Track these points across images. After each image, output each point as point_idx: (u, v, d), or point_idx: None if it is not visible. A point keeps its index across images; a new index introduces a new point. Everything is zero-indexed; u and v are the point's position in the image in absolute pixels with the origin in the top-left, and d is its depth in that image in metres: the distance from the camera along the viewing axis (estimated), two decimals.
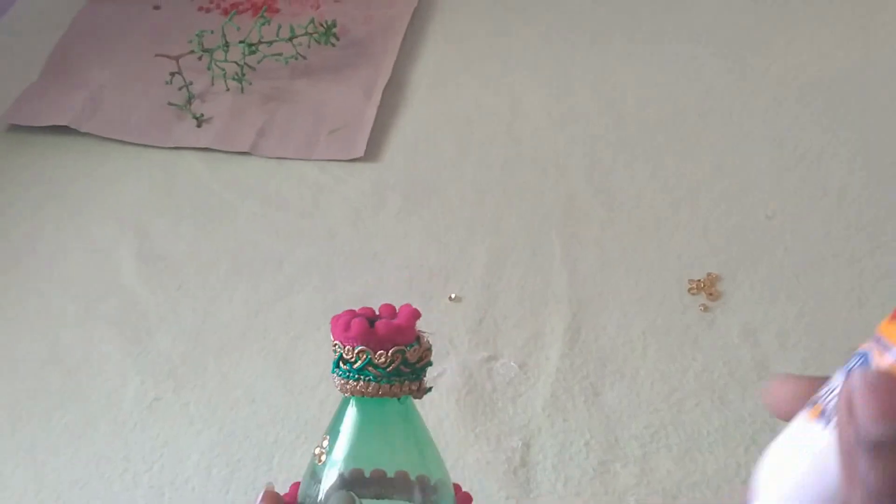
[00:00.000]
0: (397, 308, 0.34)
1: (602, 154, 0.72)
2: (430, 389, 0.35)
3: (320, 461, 0.34)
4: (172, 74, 0.80)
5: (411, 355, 0.33)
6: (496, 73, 0.81)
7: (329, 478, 0.34)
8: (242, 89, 0.80)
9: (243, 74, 0.80)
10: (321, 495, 0.34)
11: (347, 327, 0.33)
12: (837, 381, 0.25)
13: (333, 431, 0.34)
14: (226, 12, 0.89)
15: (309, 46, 0.83)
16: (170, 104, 0.79)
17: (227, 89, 0.80)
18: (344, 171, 0.74)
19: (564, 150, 0.73)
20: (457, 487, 0.37)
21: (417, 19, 0.88)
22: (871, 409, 0.24)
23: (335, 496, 0.34)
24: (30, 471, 0.56)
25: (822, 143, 0.71)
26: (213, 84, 0.81)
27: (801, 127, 0.73)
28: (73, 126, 0.77)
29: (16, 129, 0.80)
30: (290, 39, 0.81)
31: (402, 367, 0.33)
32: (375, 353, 0.33)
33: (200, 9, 0.91)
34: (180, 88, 0.80)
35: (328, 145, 0.75)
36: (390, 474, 0.34)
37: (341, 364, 0.33)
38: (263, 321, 0.64)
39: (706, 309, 0.60)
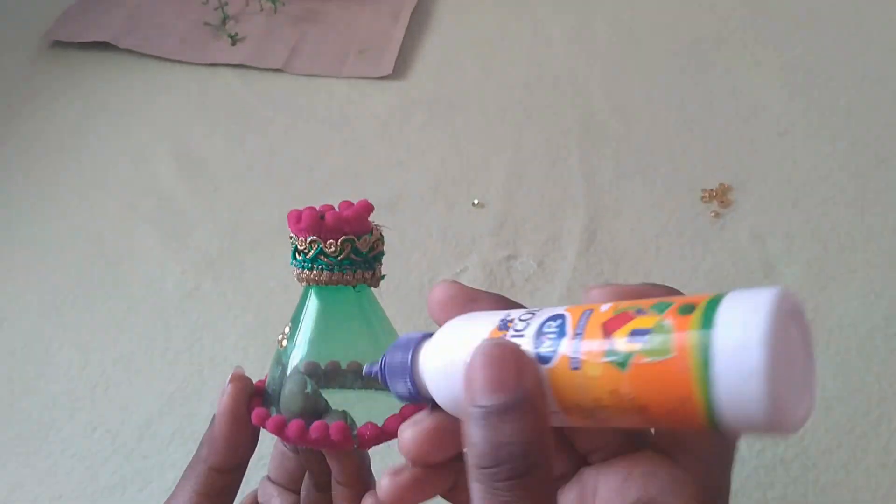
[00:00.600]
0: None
1: (620, 75, 0.75)
2: (383, 277, 0.36)
3: (281, 346, 0.36)
4: None
5: (362, 245, 0.34)
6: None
7: (291, 362, 0.35)
8: (275, 10, 0.83)
9: None
10: (286, 379, 0.35)
11: (299, 219, 0.34)
12: (526, 319, 0.26)
13: (295, 320, 0.36)
14: None
15: None
16: (205, 24, 0.82)
17: (261, 9, 0.83)
18: (372, 87, 0.77)
19: (583, 72, 0.76)
20: None
21: None
22: (482, 380, 0.25)
23: (291, 378, 0.35)
24: (76, 349, 0.60)
25: (831, 67, 0.73)
26: (247, 5, 0.84)
27: (812, 52, 0.75)
28: (112, 42, 0.81)
29: (59, 45, 0.83)
30: None
31: (352, 255, 0.34)
32: (326, 242, 0.34)
33: None
34: (216, 9, 0.83)
35: (357, 64, 0.78)
36: (345, 362, 0.35)
37: (297, 255, 0.35)
38: None
39: (717, 215, 0.63)
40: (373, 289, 0.36)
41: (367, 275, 0.35)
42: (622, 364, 0.24)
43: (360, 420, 0.35)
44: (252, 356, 0.58)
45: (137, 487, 0.52)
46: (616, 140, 0.70)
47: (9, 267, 0.66)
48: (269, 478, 0.41)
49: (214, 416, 0.36)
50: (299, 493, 0.40)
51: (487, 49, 0.80)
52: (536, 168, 0.69)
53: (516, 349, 0.26)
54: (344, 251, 0.34)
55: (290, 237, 0.35)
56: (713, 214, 0.63)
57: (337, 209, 0.34)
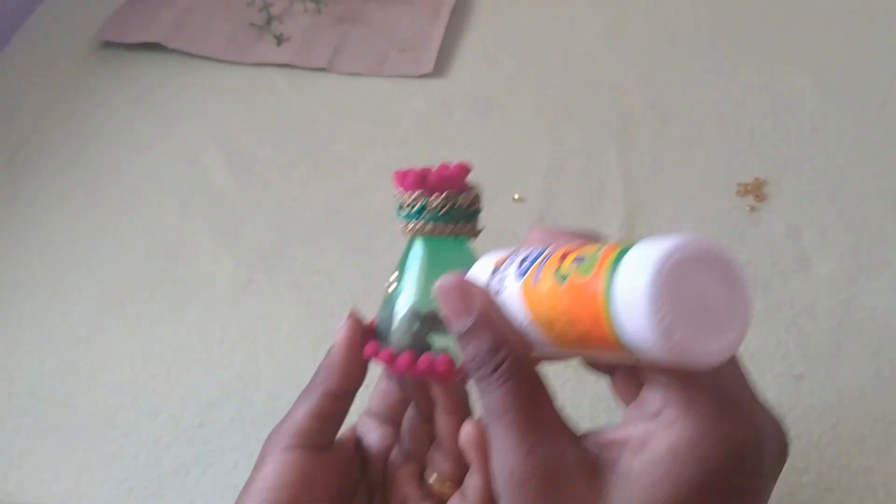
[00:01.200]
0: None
1: (656, 72, 0.77)
2: (481, 230, 0.40)
3: (388, 291, 0.41)
4: None
5: (463, 200, 0.39)
6: None
7: (398, 304, 0.40)
8: (319, 10, 0.86)
9: None
10: (394, 318, 0.40)
11: (405, 177, 0.39)
12: (520, 254, 0.33)
13: (401, 267, 0.40)
14: None
15: None
16: (251, 25, 0.85)
17: (305, 11, 0.86)
18: (413, 85, 0.79)
19: (620, 68, 0.78)
20: None
21: None
22: (448, 310, 0.34)
23: (399, 318, 0.40)
24: (136, 340, 0.63)
25: (863, 63, 0.75)
26: (291, 6, 0.86)
27: (845, 48, 0.76)
28: (161, 43, 0.84)
29: (109, 45, 0.86)
30: None
31: (454, 209, 0.39)
32: (430, 197, 0.38)
33: None
34: (260, 10, 0.86)
35: (398, 62, 0.81)
36: None
37: (403, 209, 0.39)
38: (342, 217, 0.70)
39: (753, 209, 0.65)
40: (471, 241, 0.40)
41: (468, 227, 0.39)
42: (562, 280, 0.30)
43: (458, 357, 0.39)
44: (304, 346, 0.61)
45: (200, 470, 0.55)
46: (653, 135, 0.72)
47: (72, 261, 0.69)
48: (367, 412, 0.46)
49: (331, 347, 0.41)
50: (396, 426, 0.45)
51: (525, 46, 0.82)
52: (574, 163, 0.71)
53: (460, 283, 0.34)
54: (446, 205, 0.38)
55: (395, 194, 0.39)
56: (749, 208, 0.65)
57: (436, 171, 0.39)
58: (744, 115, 0.72)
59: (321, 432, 0.42)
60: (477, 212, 0.40)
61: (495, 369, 0.32)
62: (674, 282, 0.27)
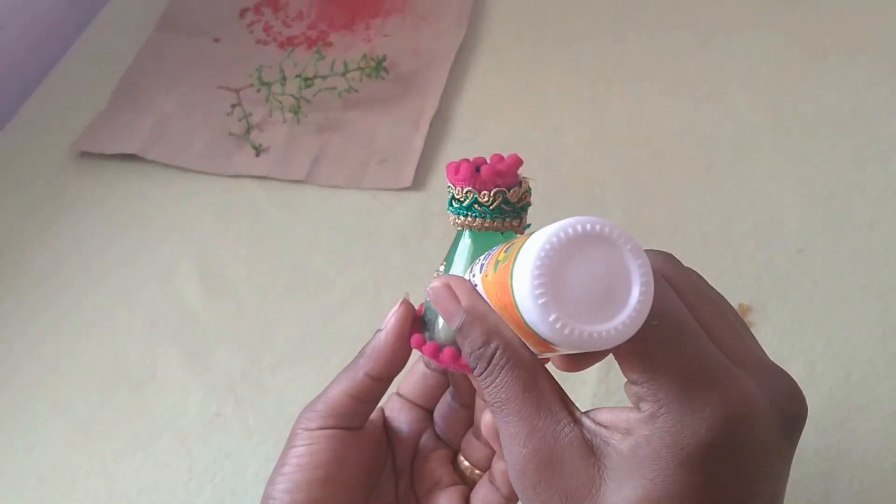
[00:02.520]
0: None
1: (637, 186, 0.76)
2: (529, 226, 0.41)
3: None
4: (233, 106, 0.85)
5: (512, 196, 0.40)
6: (535, 108, 0.85)
7: None
8: (298, 120, 0.85)
9: (299, 107, 0.84)
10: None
11: (457, 171, 0.40)
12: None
13: (449, 258, 0.42)
14: (282, 45, 0.94)
15: (361, 80, 0.87)
16: (230, 134, 0.84)
17: (284, 120, 0.85)
18: (393, 198, 0.78)
19: (600, 182, 0.76)
20: None
21: (462, 54, 0.92)
22: (441, 311, 0.35)
23: None
24: (101, 477, 0.61)
25: (851, 180, 0.73)
26: (270, 115, 0.85)
27: (832, 164, 0.75)
28: (139, 154, 0.83)
29: (85, 155, 0.85)
30: (344, 74, 0.86)
31: (503, 205, 0.40)
32: (480, 192, 0.39)
33: (258, 42, 0.96)
34: (240, 119, 0.85)
35: (378, 174, 0.80)
36: None
37: (454, 203, 0.41)
38: (316, 340, 0.68)
39: None
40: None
41: (515, 223, 0.40)
42: (495, 269, 0.32)
43: None
44: None
45: None
46: None
47: (38, 391, 0.67)
48: (398, 393, 0.48)
49: (378, 330, 0.43)
50: (426, 409, 0.47)
51: None
52: None
53: (448, 283, 0.36)
54: (496, 201, 0.39)
55: (448, 186, 0.41)
56: None
57: (489, 162, 0.40)
58: (727, 235, 0.71)
59: (356, 413, 0.43)
60: (526, 206, 0.41)
61: (489, 361, 0.33)
62: (551, 263, 0.28)
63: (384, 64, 0.88)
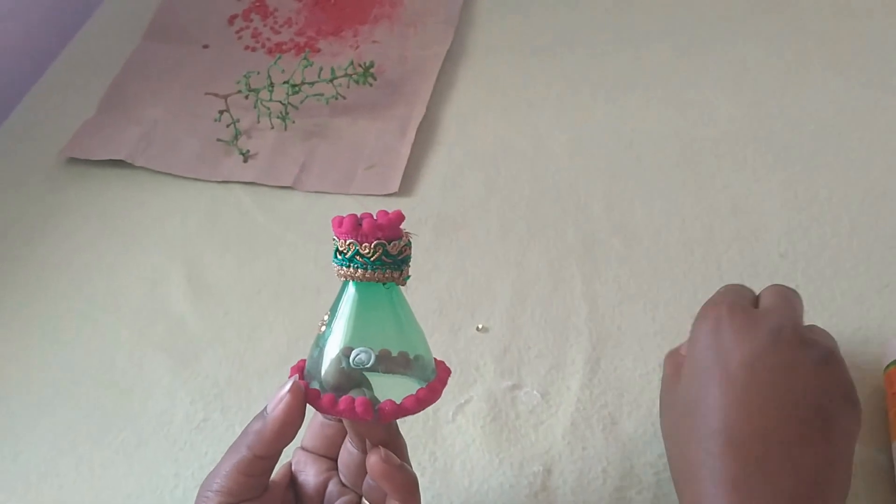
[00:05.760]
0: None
1: (621, 194, 0.76)
2: (408, 277, 0.44)
3: (320, 331, 0.44)
4: (221, 112, 0.85)
5: (392, 248, 0.42)
6: (521, 115, 0.86)
7: (327, 345, 0.44)
8: (286, 127, 0.85)
9: (287, 113, 0.85)
10: (323, 358, 0.44)
11: (340, 224, 0.43)
12: None
13: (333, 308, 0.44)
14: (270, 51, 0.95)
15: (348, 87, 0.88)
16: (218, 140, 0.84)
17: (272, 127, 0.85)
18: (380, 204, 0.78)
19: (585, 190, 0.77)
20: (439, 363, 0.47)
21: (449, 61, 0.92)
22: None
23: (329, 358, 0.43)
24: (88, 484, 0.61)
25: (832, 187, 0.74)
26: (258, 121, 0.86)
27: (813, 170, 0.76)
28: (128, 160, 0.83)
29: (74, 161, 0.85)
30: (331, 80, 0.86)
31: (384, 257, 0.42)
32: (361, 245, 0.42)
33: (247, 48, 0.96)
34: (228, 125, 0.85)
35: (365, 181, 0.80)
36: (376, 350, 0.43)
37: (337, 254, 0.43)
38: (303, 346, 0.68)
39: None
40: (401, 287, 0.44)
41: (396, 274, 0.43)
42: None
43: (383, 398, 0.43)
44: None
45: None
46: (618, 261, 0.71)
47: (22, 396, 0.67)
48: (302, 447, 0.50)
49: (265, 410, 0.44)
50: (331, 459, 0.49)
51: (490, 164, 0.81)
52: (540, 290, 0.70)
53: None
54: (376, 253, 0.42)
55: (333, 239, 0.43)
56: None
57: (375, 217, 0.42)
58: (710, 240, 0.71)
59: (251, 486, 0.44)
60: (407, 258, 0.44)
61: None
62: None
63: (371, 71, 0.88)
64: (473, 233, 0.75)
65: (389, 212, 0.43)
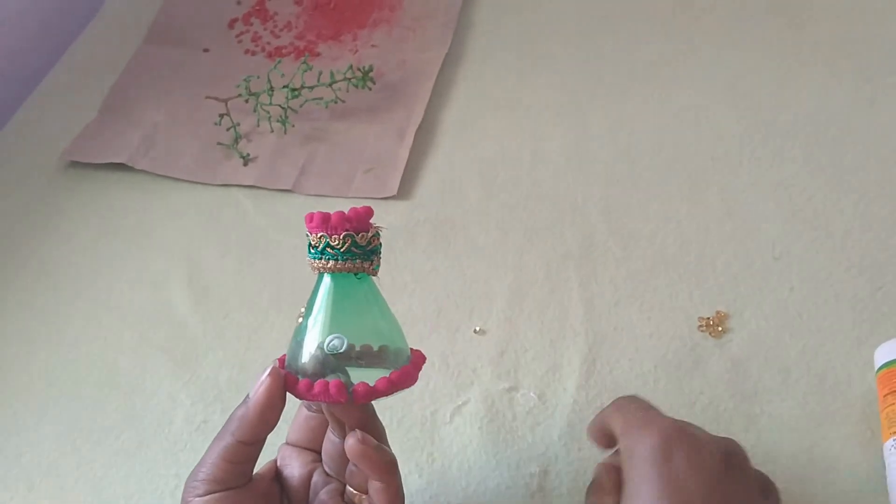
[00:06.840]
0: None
1: (617, 196, 0.77)
2: (377, 267, 0.46)
3: (298, 323, 0.46)
4: (221, 116, 0.86)
5: (360, 239, 0.44)
6: (519, 119, 0.86)
7: (306, 335, 0.45)
8: (285, 130, 0.86)
9: (286, 117, 0.86)
10: (301, 348, 0.45)
11: (311, 219, 0.44)
12: None
13: (309, 302, 0.46)
14: (270, 55, 0.96)
15: (348, 90, 0.89)
16: (218, 144, 0.85)
17: (272, 130, 0.86)
18: (378, 207, 0.77)
19: (582, 193, 0.78)
20: (415, 351, 0.48)
21: (448, 65, 0.93)
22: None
23: (310, 345, 0.45)
24: (89, 485, 0.62)
25: (826, 190, 0.74)
26: (258, 125, 0.87)
27: (807, 173, 0.76)
28: (129, 164, 0.84)
29: (75, 165, 0.86)
30: (331, 84, 0.87)
31: (353, 248, 0.44)
32: (331, 237, 0.44)
33: (247, 52, 0.97)
34: (228, 129, 0.86)
35: (364, 184, 0.81)
36: (351, 340, 0.45)
37: (311, 249, 0.45)
38: None
39: (715, 345, 0.65)
40: (372, 277, 0.46)
41: (366, 264, 0.45)
42: None
43: (350, 383, 0.44)
44: None
45: None
46: (614, 264, 0.71)
47: (25, 397, 0.68)
48: (287, 442, 0.51)
49: (248, 396, 0.46)
50: (315, 451, 0.50)
51: (488, 167, 0.82)
52: (536, 292, 0.70)
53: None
54: (346, 244, 0.44)
55: (306, 234, 0.45)
56: (711, 343, 0.65)
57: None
58: (705, 243, 0.72)
59: (237, 474, 0.46)
60: (376, 249, 0.45)
61: None
62: None
63: (371, 74, 0.89)
64: (471, 235, 0.76)
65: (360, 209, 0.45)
